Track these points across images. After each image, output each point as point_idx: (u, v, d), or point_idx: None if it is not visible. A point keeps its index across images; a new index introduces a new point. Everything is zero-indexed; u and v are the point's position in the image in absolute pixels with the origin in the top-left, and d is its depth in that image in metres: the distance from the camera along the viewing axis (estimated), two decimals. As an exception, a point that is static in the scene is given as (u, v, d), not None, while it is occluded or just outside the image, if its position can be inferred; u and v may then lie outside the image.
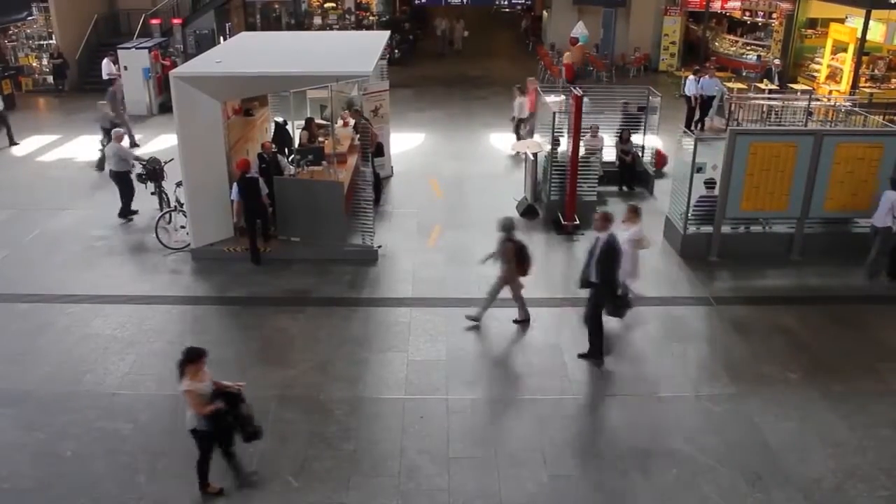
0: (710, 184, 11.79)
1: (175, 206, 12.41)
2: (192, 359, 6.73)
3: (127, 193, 13.15)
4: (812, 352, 9.37)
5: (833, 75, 21.14)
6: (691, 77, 18.90)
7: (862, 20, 19.06)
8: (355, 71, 11.65)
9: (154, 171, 12.89)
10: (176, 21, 23.83)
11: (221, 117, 11.49)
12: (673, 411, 8.25)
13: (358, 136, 13.01)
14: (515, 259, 9.54)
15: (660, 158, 15.61)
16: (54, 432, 7.84)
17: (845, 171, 11.31)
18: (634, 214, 9.79)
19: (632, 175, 14.84)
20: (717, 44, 26.41)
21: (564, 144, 13.02)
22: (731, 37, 26.46)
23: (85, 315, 10.08)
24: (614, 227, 9.11)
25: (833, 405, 8.35)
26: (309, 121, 13.69)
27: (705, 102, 18.63)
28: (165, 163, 13.01)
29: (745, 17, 25.86)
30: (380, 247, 11.79)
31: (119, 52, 20.59)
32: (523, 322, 9.89)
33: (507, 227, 9.61)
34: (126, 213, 13.20)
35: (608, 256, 8.61)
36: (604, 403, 8.35)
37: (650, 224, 12.93)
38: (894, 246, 10.93)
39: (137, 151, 15.39)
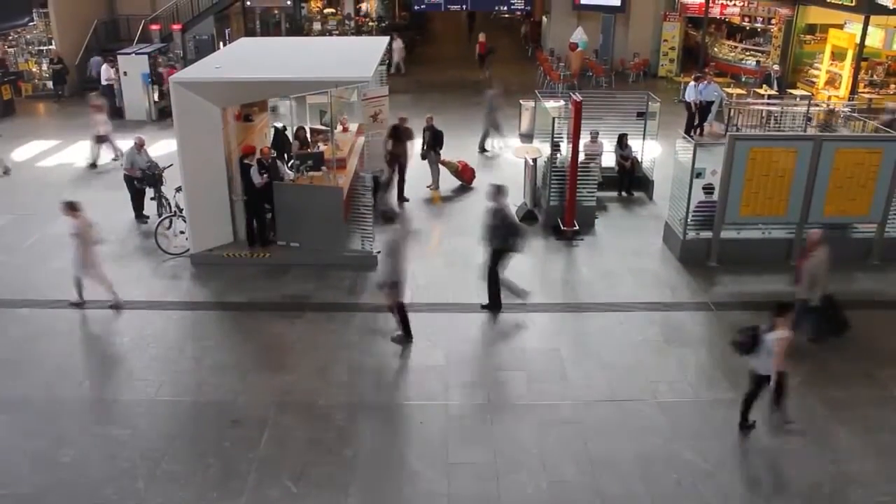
0: (708, 189, 11.79)
1: (174, 212, 12.42)
2: (784, 311, 7.19)
3: (135, 196, 13.24)
4: (811, 357, 9.36)
5: (832, 81, 21.18)
6: (691, 83, 18.93)
7: (861, 26, 19.10)
8: (354, 76, 11.68)
9: (153, 176, 12.92)
10: (175, 27, 23.88)
11: (221, 123, 11.50)
12: (673, 416, 8.24)
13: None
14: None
15: (467, 172, 15.34)
16: (53, 438, 7.82)
17: (845, 176, 11.33)
18: (71, 209, 9.92)
19: (631, 180, 14.84)
20: (716, 49, 26.44)
21: (564, 150, 13.04)
22: (731, 42, 26.48)
23: (84, 320, 10.07)
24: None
25: (833, 411, 8.34)
26: (299, 129, 13.68)
27: (704, 108, 18.66)
28: (165, 168, 13.04)
29: (745, 23, 25.89)
30: (379, 252, 11.77)
31: (119, 57, 20.62)
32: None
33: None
34: (139, 215, 13.32)
35: None
36: (603, 408, 8.33)
37: (650, 229, 13.03)
38: None
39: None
